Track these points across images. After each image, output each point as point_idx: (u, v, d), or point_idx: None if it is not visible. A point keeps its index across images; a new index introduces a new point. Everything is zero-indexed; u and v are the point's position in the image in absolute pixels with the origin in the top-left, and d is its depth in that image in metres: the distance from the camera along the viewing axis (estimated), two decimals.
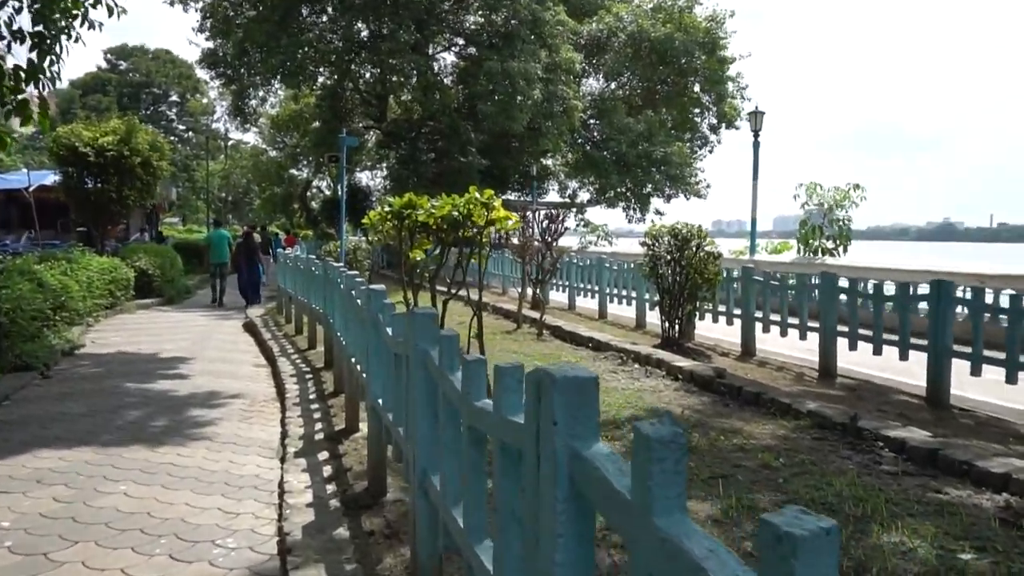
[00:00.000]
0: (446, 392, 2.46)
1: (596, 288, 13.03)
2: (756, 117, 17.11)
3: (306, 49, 27.95)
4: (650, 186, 30.08)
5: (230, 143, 60.71)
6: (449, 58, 31.04)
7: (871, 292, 7.54)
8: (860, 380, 7.50)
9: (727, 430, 5.23)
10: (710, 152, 33.73)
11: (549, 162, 33.86)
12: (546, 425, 1.42)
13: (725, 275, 9.28)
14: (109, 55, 70.02)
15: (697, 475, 4.18)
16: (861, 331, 7.31)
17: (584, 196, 35.80)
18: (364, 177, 44.45)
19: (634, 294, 11.75)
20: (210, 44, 30.13)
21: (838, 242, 16.09)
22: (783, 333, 8.54)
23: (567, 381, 1.37)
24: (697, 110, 34.69)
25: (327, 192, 51.47)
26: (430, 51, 27.98)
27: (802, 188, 16.75)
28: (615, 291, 12.47)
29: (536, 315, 10.92)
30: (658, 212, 30.83)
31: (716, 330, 9.98)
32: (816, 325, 7.85)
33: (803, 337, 8.19)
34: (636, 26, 30.35)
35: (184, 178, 64.86)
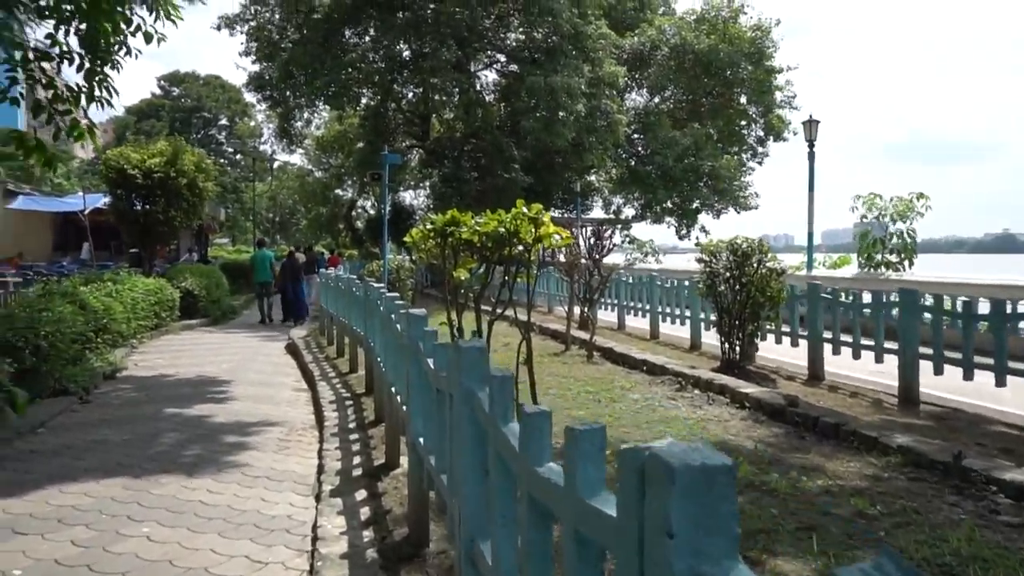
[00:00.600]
0: (499, 447, 2.02)
1: (647, 307, 12.48)
2: (811, 126, 16.35)
3: (349, 70, 28.21)
4: (697, 201, 29.34)
5: (276, 164, 61.91)
6: (491, 75, 30.96)
7: (959, 310, 6.85)
8: (947, 408, 6.81)
9: (808, 468, 4.67)
10: (759, 164, 32.80)
11: (593, 178, 33.39)
12: (655, 533, 0.97)
13: (788, 292, 8.66)
14: (162, 82, 72.38)
15: (783, 526, 3.65)
16: (948, 353, 6.63)
17: (629, 212, 35.16)
18: (408, 196, 44.62)
19: (688, 313, 11.18)
20: (256, 67, 30.65)
21: (903, 255, 15.21)
22: (856, 355, 7.88)
23: (691, 474, 0.92)
24: (744, 122, 33.84)
25: (371, 211, 51.95)
26: (472, 68, 27.90)
27: (860, 200, 15.92)
28: (667, 310, 11.91)
29: (584, 335, 10.44)
30: (703, 229, 30.04)
31: (778, 351, 9.35)
32: (894, 346, 7.20)
33: (879, 360, 7.52)
34: (679, 38, 29.83)
35: (233, 199, 66.38)
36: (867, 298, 8.04)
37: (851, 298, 8.15)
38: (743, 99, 33.17)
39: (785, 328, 8.98)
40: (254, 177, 47.17)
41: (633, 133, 30.87)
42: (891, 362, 7.38)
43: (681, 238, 31.31)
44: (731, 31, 30.53)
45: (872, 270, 15.26)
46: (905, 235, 15.18)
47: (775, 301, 8.45)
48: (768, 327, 8.78)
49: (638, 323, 13.24)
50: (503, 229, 6.10)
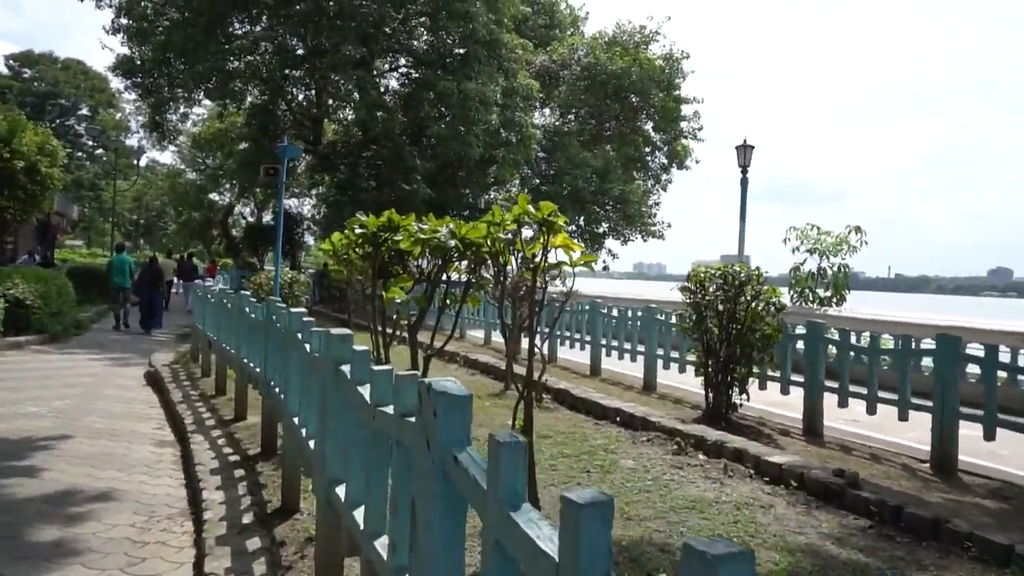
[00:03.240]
0: None
1: (586, 338, 10.96)
2: (744, 151, 15.67)
3: (234, 61, 25.30)
4: (605, 225, 28.58)
5: (144, 162, 56.27)
6: (393, 80, 28.96)
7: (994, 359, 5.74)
8: (993, 479, 5.66)
9: None
10: (663, 191, 32.67)
11: (495, 195, 32.01)
12: None
13: (784, 331, 7.38)
14: (11, 61, 64.52)
15: None
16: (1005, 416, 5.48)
17: (527, 233, 33.96)
18: (292, 204, 41.40)
19: (640, 348, 9.74)
20: (126, 49, 27.00)
21: (834, 291, 14.67)
22: (871, 410, 6.66)
23: None
24: (648, 148, 33.73)
25: (250, 218, 47.99)
26: (375, 68, 25.78)
27: (794, 231, 15.32)
28: (613, 343, 10.44)
29: (518, 371, 8.75)
30: (611, 253, 29.38)
31: (761, 399, 8.04)
32: (923, 402, 6.01)
33: (903, 417, 6.32)
34: (593, 57, 29.18)
35: (91, 197, 59.75)
36: (890, 343, 6.85)
37: (867, 342, 6.95)
38: (648, 126, 33.07)
39: (770, 372, 7.69)
40: (115, 173, 42.17)
41: (540, 152, 29.80)
42: (917, 420, 6.21)
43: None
44: (642, 56, 30.26)
45: (804, 304, 14.62)
46: (840, 270, 14.64)
47: (770, 341, 7.14)
48: (756, 371, 7.44)
49: (573, 356, 11.71)
50: (488, 237, 4.29)
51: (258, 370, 5.87)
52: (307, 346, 3.68)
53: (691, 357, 9.12)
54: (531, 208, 3.94)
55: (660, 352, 9.37)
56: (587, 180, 27.69)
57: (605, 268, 30.36)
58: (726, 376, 7.04)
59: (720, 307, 6.92)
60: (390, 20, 23.77)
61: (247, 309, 6.45)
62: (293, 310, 4.15)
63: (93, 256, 45.00)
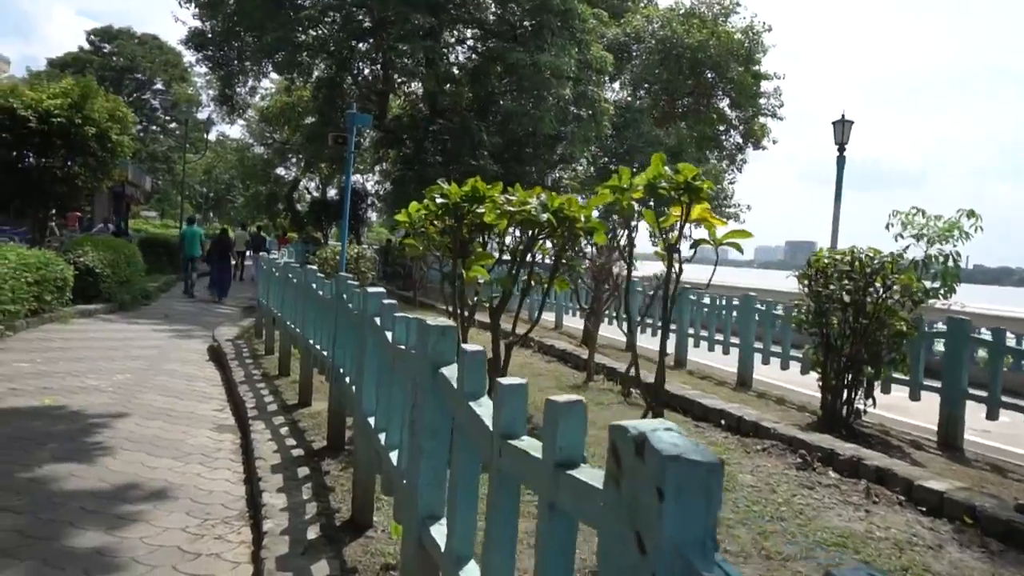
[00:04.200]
0: None
1: (672, 327, 10.10)
2: (843, 127, 14.38)
3: (301, 32, 24.96)
4: None
5: (213, 136, 57.32)
6: (461, 53, 28.22)
7: None
8: None
9: None
10: (738, 172, 31.14)
11: (561, 173, 31.08)
12: None
13: (920, 329, 6.41)
14: (92, 36, 66.53)
15: None
16: None
17: (594, 213, 32.93)
18: (356, 180, 41.30)
19: (734, 340, 8.85)
20: (197, 22, 27.08)
21: (944, 283, 13.28)
22: (993, 415, 5.66)
23: None
24: (723, 127, 32.16)
25: (315, 193, 48.28)
26: (444, 39, 25.06)
27: (897, 216, 13.94)
28: (702, 332, 9.58)
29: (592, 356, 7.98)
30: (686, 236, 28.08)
31: (881, 403, 7.07)
32: None
33: None
34: (669, 30, 27.78)
35: (164, 170, 61.37)
36: None
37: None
38: (724, 103, 31.52)
39: (898, 375, 6.72)
40: (185, 145, 42.90)
41: (610, 129, 28.68)
42: (1014, 425, 5.20)
43: (654, 245, 29.28)
44: (720, 29, 28.69)
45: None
46: (950, 259, 13.24)
47: (902, 339, 6.18)
48: (888, 373, 6.49)
49: (653, 344, 10.87)
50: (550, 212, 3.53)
51: (325, 353, 5.29)
52: (388, 334, 3.01)
53: (795, 352, 8.21)
54: (667, 170, 3.15)
55: (758, 345, 8.46)
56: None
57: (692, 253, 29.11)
58: (851, 377, 6.13)
59: (846, 298, 5.99)
60: None
61: (314, 285, 5.87)
62: (370, 289, 3.48)
63: (165, 227, 46.15)
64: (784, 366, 8.28)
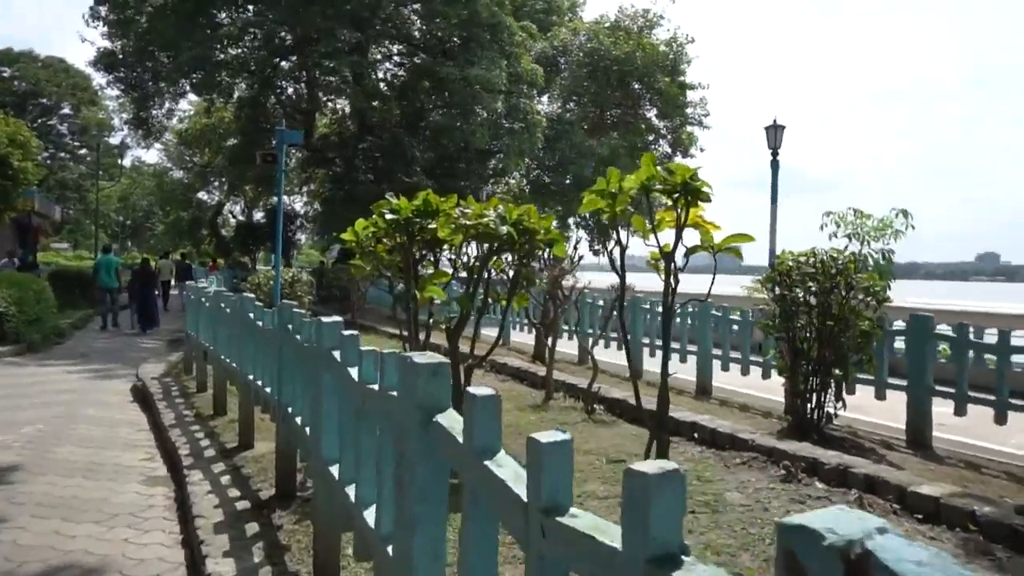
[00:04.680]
0: None
1: (624, 336, 9.89)
2: (775, 132, 14.63)
3: (220, 51, 23.98)
4: None
5: (129, 161, 54.65)
6: (388, 70, 27.73)
7: None
8: None
9: None
10: None
11: (498, 188, 30.90)
12: None
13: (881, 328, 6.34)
14: None
15: None
16: None
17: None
18: (284, 201, 40.04)
19: (691, 347, 8.69)
20: (107, 43, 25.71)
21: (879, 279, 13.59)
22: (960, 411, 5.63)
23: None
24: (652, 137, 32.67)
25: (240, 217, 46.59)
26: (371, 55, 24.55)
27: (830, 216, 14.24)
28: (653, 340, 9.39)
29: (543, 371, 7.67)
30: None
31: (850, 405, 6.98)
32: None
33: (1001, 420, 5.28)
34: (596, 42, 28.05)
35: (75, 199, 58.12)
36: (1008, 337, 5.80)
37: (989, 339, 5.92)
38: (652, 113, 32.03)
39: (862, 376, 6.65)
40: (98, 172, 40.76)
41: (541, 141, 28.69)
42: (973, 418, 5.18)
43: (596, 254, 29.35)
44: (645, 42, 29.17)
45: None
46: (882, 256, 13.57)
47: (866, 339, 6.09)
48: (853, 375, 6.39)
49: (607, 356, 10.63)
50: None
51: (269, 390, 4.77)
52: (352, 371, 2.58)
53: (755, 357, 8.10)
54: (660, 170, 2.85)
55: (717, 352, 8.32)
56: (593, 170, 26.58)
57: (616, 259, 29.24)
58: (819, 381, 5.99)
59: (812, 300, 5.86)
60: (386, 3, 22.56)
61: (252, 315, 5.33)
62: (325, 319, 3.03)
63: (79, 258, 43.62)
64: (745, 371, 8.15)
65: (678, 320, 9.30)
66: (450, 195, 4.89)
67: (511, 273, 5.56)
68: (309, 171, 31.95)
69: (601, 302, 10.61)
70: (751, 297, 16.99)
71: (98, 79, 38.38)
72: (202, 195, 49.14)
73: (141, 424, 7.04)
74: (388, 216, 4.76)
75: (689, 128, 32.01)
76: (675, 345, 9.10)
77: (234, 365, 5.97)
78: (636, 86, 30.40)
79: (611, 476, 4.68)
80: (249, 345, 5.42)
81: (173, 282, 24.35)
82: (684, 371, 9.11)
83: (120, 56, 25.85)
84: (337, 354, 2.81)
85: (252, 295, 5.94)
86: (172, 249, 44.03)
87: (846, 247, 14.72)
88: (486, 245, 5.05)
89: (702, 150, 32.54)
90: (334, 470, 2.84)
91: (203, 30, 23.16)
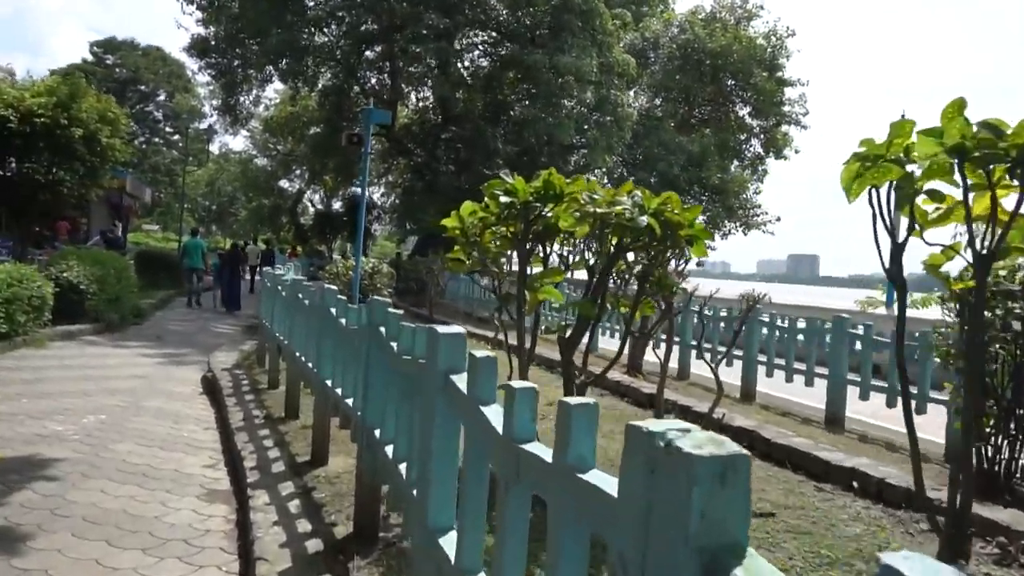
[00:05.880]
0: None
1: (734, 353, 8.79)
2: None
3: (306, 37, 23.84)
4: (703, 217, 26.08)
5: (216, 148, 56.31)
6: (474, 58, 27.10)
7: None
8: None
9: None
10: (759, 182, 29.86)
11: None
12: None
13: None
14: (96, 48, 65.84)
15: None
16: None
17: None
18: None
19: (821, 369, 7.53)
20: (200, 29, 26.09)
21: None
22: None
23: None
24: (743, 136, 30.96)
25: (319, 206, 47.11)
26: (457, 41, 23.92)
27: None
28: (780, 361, 8.27)
29: (643, 385, 6.66)
30: (711, 249, 26.83)
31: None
32: None
33: None
34: (690, 34, 26.64)
35: (167, 183, 60.29)
36: None
37: None
38: (744, 111, 30.33)
39: None
40: (186, 156, 41.82)
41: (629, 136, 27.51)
42: None
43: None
44: (742, 34, 27.55)
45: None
46: None
47: None
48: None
49: (707, 371, 9.54)
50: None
51: (349, 402, 4.00)
52: (490, 413, 1.71)
53: (879, 383, 6.90)
54: (975, 126, 1.85)
55: (852, 376, 7.14)
56: (681, 167, 25.24)
57: (700, 264, 27.82)
58: (1016, 427, 4.81)
59: (1018, 326, 4.68)
60: None
61: (334, 310, 4.58)
62: (441, 329, 2.18)
63: (167, 240, 44.97)
64: (863, 397, 6.97)
65: (800, 337, 8.16)
66: (576, 177, 4.03)
67: (632, 274, 4.66)
68: (389, 162, 31.76)
69: (724, 312, 9.47)
70: (864, 312, 15.42)
71: (191, 66, 39.55)
72: (283, 183, 49.92)
73: (208, 422, 6.45)
74: (503, 199, 3.91)
75: (784, 128, 30.18)
76: (799, 365, 7.98)
77: (309, 365, 5.25)
78: (730, 82, 28.80)
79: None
80: (328, 345, 4.68)
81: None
82: (803, 395, 7.99)
83: (212, 42, 26.21)
84: (461, 384, 1.94)
85: (333, 286, 5.20)
86: (255, 235, 44.88)
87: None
88: (615, 239, 4.14)
89: (797, 151, 30.67)
90: (449, 552, 1.97)
91: (291, 15, 23.09)
